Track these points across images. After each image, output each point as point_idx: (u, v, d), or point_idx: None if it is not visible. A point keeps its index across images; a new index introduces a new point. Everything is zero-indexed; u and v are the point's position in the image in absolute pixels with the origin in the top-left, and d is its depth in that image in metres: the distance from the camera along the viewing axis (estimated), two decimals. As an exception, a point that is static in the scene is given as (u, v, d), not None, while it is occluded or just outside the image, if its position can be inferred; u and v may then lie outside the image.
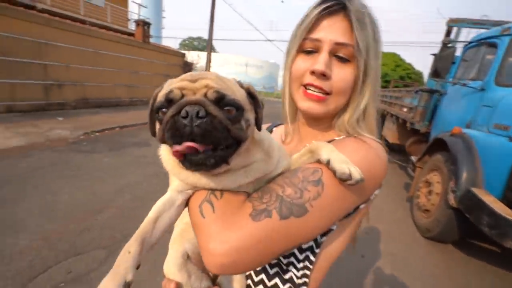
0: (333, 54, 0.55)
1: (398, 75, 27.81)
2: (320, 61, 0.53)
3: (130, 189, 3.60)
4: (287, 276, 0.54)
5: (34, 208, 2.85)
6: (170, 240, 0.59)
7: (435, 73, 3.59)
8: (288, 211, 0.42)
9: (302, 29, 0.56)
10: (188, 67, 14.52)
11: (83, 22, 10.41)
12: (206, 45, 13.29)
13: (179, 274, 0.53)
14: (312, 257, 0.53)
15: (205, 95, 0.39)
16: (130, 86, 10.71)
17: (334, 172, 0.44)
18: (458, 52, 3.99)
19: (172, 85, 0.42)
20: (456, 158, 2.70)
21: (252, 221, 0.41)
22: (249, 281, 0.58)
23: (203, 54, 15.76)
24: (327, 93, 0.56)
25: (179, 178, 0.47)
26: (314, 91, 0.56)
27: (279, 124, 0.82)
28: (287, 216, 0.42)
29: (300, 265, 0.54)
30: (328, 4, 0.53)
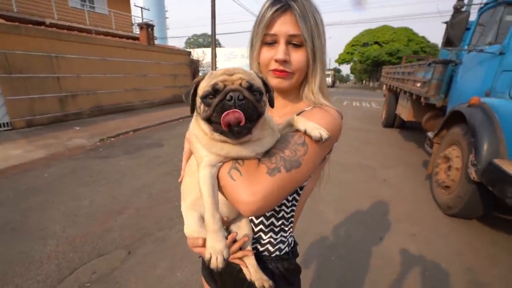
0: (288, 42, 0.70)
1: (411, 50, 26.48)
2: (280, 51, 0.70)
3: (146, 189, 3.70)
4: (279, 215, 0.75)
5: (58, 215, 3.00)
6: (182, 206, 0.73)
7: (448, 42, 3.34)
8: (290, 166, 0.59)
9: (262, 27, 0.71)
10: (194, 64, 14.56)
11: (89, 31, 10.67)
12: (211, 41, 13.24)
13: (201, 231, 0.67)
14: (297, 197, 0.75)
15: (241, 84, 0.54)
16: (139, 90, 10.92)
17: (310, 136, 0.62)
18: (472, 17, 3.71)
19: (216, 78, 0.55)
20: (475, 130, 2.55)
21: (269, 177, 0.57)
22: (252, 224, 0.76)
23: (208, 50, 15.75)
24: (290, 72, 0.73)
25: (212, 151, 0.60)
26: (280, 72, 0.73)
27: None
28: (290, 169, 0.59)
29: (289, 204, 0.74)
30: (278, 6, 0.69)
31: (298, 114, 0.72)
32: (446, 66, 4.02)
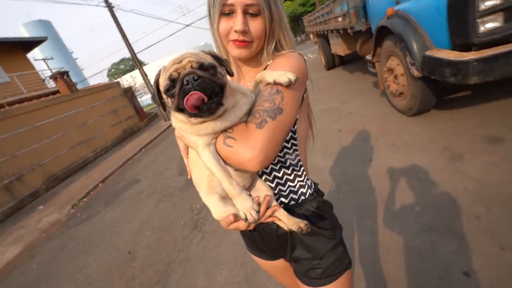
0: (245, 12, 0.72)
1: (320, -8, 27.51)
2: (238, 22, 0.71)
3: (146, 225, 3.59)
4: (287, 164, 0.80)
5: (72, 292, 2.82)
6: (202, 196, 0.75)
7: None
8: (274, 114, 0.63)
9: None
10: (129, 92, 13.73)
11: (1, 106, 9.45)
12: (133, 62, 12.50)
13: (227, 209, 0.70)
14: (295, 141, 0.80)
15: (191, 67, 0.57)
16: (86, 141, 10.12)
17: (280, 84, 0.66)
18: None
19: (169, 71, 0.58)
20: (401, 35, 2.84)
21: (260, 130, 0.62)
22: (268, 183, 0.81)
23: (136, 73, 14.88)
24: (250, 41, 0.75)
25: (200, 134, 0.64)
26: (241, 42, 0.75)
27: None
28: (275, 117, 0.63)
29: (291, 150, 0.80)
30: None
31: (265, 69, 0.78)
32: (356, -8, 4.31)
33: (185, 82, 0.55)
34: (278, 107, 0.64)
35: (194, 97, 0.54)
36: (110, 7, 10.21)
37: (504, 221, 1.69)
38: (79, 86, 12.54)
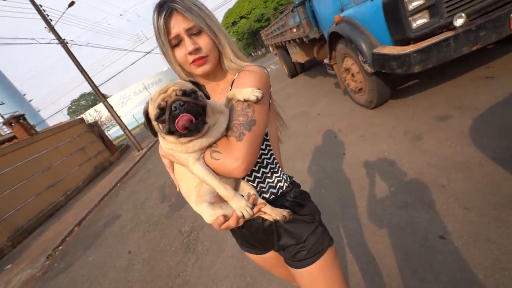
0: (190, 35, 0.80)
1: (272, 8, 29.02)
2: (188, 45, 0.80)
3: (135, 259, 3.44)
4: (264, 163, 0.89)
5: None
6: (192, 206, 0.81)
7: (294, -14, 3.92)
8: (249, 126, 0.73)
9: (163, 36, 0.80)
10: (95, 127, 13.17)
11: None
12: (96, 96, 12.08)
13: (216, 212, 0.78)
14: (268, 142, 0.88)
15: (176, 94, 0.66)
16: (54, 185, 9.43)
17: (249, 100, 0.75)
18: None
19: (157, 101, 0.67)
20: (350, 38, 3.16)
21: (240, 142, 0.71)
22: (250, 183, 0.88)
23: (100, 106, 14.33)
24: (205, 56, 0.83)
25: (188, 151, 0.72)
26: (199, 59, 0.83)
27: None
28: (250, 128, 0.73)
29: (266, 151, 0.88)
30: (164, 12, 0.78)
31: (231, 85, 0.84)
32: (304, 5, 4.70)
33: (173, 108, 0.64)
34: (251, 120, 0.73)
35: (184, 119, 0.63)
36: (63, 44, 9.91)
37: (464, 186, 1.93)
38: (38, 128, 11.78)
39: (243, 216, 0.73)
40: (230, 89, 0.83)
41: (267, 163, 0.89)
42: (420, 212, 1.91)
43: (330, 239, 0.94)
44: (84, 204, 7.94)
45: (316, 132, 4.12)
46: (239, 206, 0.73)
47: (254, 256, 1.07)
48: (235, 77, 0.85)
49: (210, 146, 0.73)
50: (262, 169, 0.88)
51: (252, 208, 0.74)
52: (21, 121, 9.41)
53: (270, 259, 1.05)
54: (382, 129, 3.20)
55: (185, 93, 0.66)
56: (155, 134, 0.73)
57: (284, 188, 0.92)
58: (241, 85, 0.80)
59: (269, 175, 0.89)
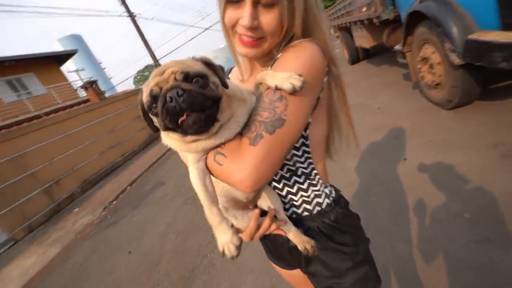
0: (257, 2, 0.59)
1: (340, -15, 26.64)
2: (245, 15, 0.59)
3: (171, 229, 3.61)
4: (299, 172, 0.71)
5: (102, 295, 2.89)
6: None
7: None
8: (272, 127, 0.54)
9: None
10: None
11: (38, 117, 10.22)
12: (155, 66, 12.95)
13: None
14: (307, 148, 0.70)
15: (175, 79, 0.50)
16: (115, 146, 10.61)
17: (282, 90, 0.55)
18: None
19: (149, 85, 0.51)
20: (438, 19, 2.55)
21: (253, 147, 0.54)
22: (277, 191, 0.74)
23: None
24: (260, 38, 0.63)
25: (191, 151, 0.58)
26: (248, 38, 0.63)
27: (231, 68, 0.91)
28: (273, 131, 0.54)
29: (302, 159, 0.70)
30: None
31: (272, 65, 0.66)
32: (381, -22, 4.01)
33: (168, 99, 0.48)
34: (279, 118, 0.55)
35: (188, 120, 0.49)
36: (132, 17, 10.62)
37: None
38: (108, 94, 13.23)
39: (224, 255, 0.58)
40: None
41: (303, 173, 0.71)
42: (503, 253, 1.47)
43: (377, 280, 0.74)
44: (137, 167, 8.78)
45: (373, 129, 3.62)
46: (222, 239, 0.58)
47: (279, 269, 0.93)
48: (278, 56, 0.65)
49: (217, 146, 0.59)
50: (295, 178, 0.72)
51: (239, 246, 0.57)
52: (94, 86, 10.63)
53: (297, 277, 0.90)
54: (461, 137, 2.60)
55: (187, 77, 0.50)
56: (154, 129, 0.58)
57: (323, 206, 0.73)
58: (280, 67, 0.60)
59: (304, 187, 0.72)
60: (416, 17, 3.02)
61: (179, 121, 0.48)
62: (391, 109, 3.98)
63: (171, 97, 0.47)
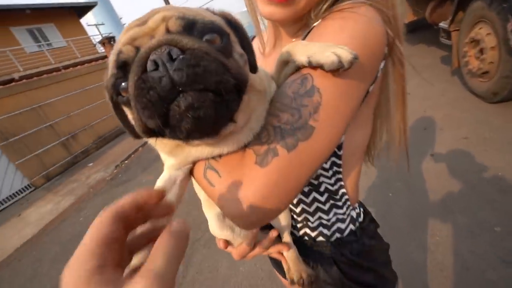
0: None
1: None
2: None
3: (176, 197, 3.62)
4: (322, 189, 0.54)
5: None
6: (202, 204, 0.59)
7: None
8: (293, 139, 0.36)
9: None
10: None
11: (57, 69, 10.28)
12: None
13: (222, 233, 0.55)
14: (338, 160, 0.51)
15: (167, 30, 0.29)
16: (131, 106, 10.69)
17: (321, 67, 0.36)
18: None
19: (118, 44, 0.31)
20: (505, -8, 2.10)
21: (261, 168, 0.36)
22: (291, 206, 0.59)
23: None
24: None
25: (180, 159, 0.42)
26: None
27: (253, 38, 0.70)
28: (295, 145, 0.36)
29: (329, 173, 0.52)
30: None
31: (305, 38, 0.47)
32: None
33: (149, 67, 0.26)
34: (304, 125, 0.36)
35: (186, 102, 0.27)
36: (154, -32, 9.94)
37: None
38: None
39: None
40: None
41: (326, 190, 0.54)
42: (537, 278, 1.30)
43: None
44: (150, 129, 8.86)
45: (399, 116, 3.30)
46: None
47: (284, 280, 0.81)
48: (315, 24, 0.47)
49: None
50: (314, 195, 0.55)
51: None
52: (112, 42, 10.39)
53: None
54: (501, 137, 2.29)
55: (191, 28, 0.29)
56: (134, 133, 0.38)
57: (345, 233, 0.57)
58: (317, 39, 0.42)
59: (325, 207, 0.56)
60: (475, -12, 2.54)
61: (168, 109, 0.28)
62: (422, 96, 3.59)
63: (155, 62, 0.26)
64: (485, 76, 2.69)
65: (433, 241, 1.68)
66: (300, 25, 0.52)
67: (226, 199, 0.38)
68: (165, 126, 0.29)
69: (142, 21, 0.31)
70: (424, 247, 1.65)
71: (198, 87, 0.26)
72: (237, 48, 0.33)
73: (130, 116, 0.34)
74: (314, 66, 0.37)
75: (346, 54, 0.34)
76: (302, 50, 0.38)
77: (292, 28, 0.54)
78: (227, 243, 0.55)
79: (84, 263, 0.21)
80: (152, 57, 0.26)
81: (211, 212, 0.57)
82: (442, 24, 3.48)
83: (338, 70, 0.34)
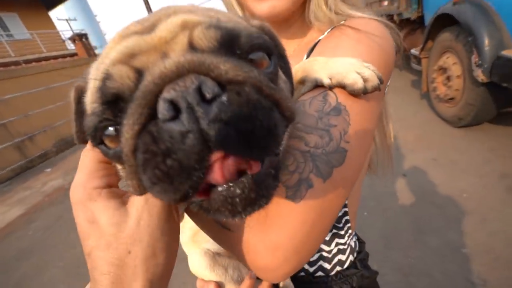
0: None
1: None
2: None
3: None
4: None
5: (58, 272, 2.66)
6: (182, 244, 0.50)
7: None
8: (327, 165, 0.30)
9: None
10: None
11: (17, 63, 9.41)
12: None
13: (214, 274, 0.47)
14: None
15: (191, 46, 0.18)
16: (100, 108, 10.05)
17: (344, 87, 0.32)
18: None
19: (105, 60, 0.20)
20: (470, 26, 2.28)
21: (294, 204, 0.29)
22: None
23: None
24: None
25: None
26: None
27: None
28: (330, 172, 0.30)
29: None
30: None
31: (310, 52, 0.44)
32: (411, -28, 3.65)
33: (162, 109, 0.17)
34: (337, 148, 0.31)
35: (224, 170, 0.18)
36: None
37: None
38: (99, 51, 12.36)
39: None
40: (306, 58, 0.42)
41: None
42: (504, 303, 1.33)
43: None
44: (120, 133, 8.35)
45: (373, 134, 3.42)
46: None
47: None
48: (322, 37, 0.45)
49: None
50: None
51: None
52: (84, 40, 9.82)
53: None
54: (466, 160, 2.43)
55: (231, 43, 0.19)
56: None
57: (345, 265, 0.54)
58: (331, 52, 0.38)
59: (327, 238, 0.52)
60: (444, 21, 2.74)
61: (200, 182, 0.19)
62: (395, 117, 3.75)
63: (173, 103, 0.16)
64: (451, 102, 2.89)
65: (406, 262, 1.68)
66: (296, 27, 0.52)
67: (251, 246, 0.30)
68: (184, 193, 0.19)
69: (146, 26, 0.21)
70: (398, 269, 1.64)
71: (249, 155, 0.17)
72: (280, 73, 0.26)
73: (118, 166, 0.25)
74: (337, 86, 0.33)
75: (373, 79, 0.31)
76: (323, 68, 0.34)
77: (290, 29, 0.53)
78: (219, 285, 0.47)
79: (90, 180, 0.22)
80: (168, 94, 0.16)
81: (196, 248, 0.49)
82: (413, 51, 3.72)
83: (365, 91, 0.32)
